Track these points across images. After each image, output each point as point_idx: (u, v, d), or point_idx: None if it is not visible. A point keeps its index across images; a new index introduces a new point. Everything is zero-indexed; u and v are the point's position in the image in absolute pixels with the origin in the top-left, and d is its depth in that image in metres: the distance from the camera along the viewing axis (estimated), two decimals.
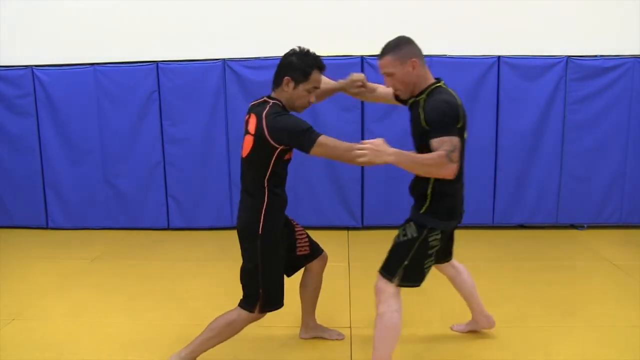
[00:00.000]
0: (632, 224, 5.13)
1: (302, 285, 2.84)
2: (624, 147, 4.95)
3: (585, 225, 5.16)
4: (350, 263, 4.19)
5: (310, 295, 2.86)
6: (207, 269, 4.16)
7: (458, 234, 5.09)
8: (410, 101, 2.41)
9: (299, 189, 5.09)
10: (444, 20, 4.98)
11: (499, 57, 4.85)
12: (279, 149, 2.30)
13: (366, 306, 3.39)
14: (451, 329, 3.04)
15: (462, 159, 2.31)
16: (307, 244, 2.72)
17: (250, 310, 2.45)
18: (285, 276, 2.60)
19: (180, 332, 2.95)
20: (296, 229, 2.70)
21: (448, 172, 2.17)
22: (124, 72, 5.03)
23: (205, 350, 2.54)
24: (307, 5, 5.01)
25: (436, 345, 2.88)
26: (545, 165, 5.00)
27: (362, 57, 4.85)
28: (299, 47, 2.41)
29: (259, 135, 2.30)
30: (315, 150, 2.24)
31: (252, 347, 2.89)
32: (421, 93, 2.34)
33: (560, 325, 3.07)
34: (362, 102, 4.91)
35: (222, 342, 2.53)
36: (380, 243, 4.72)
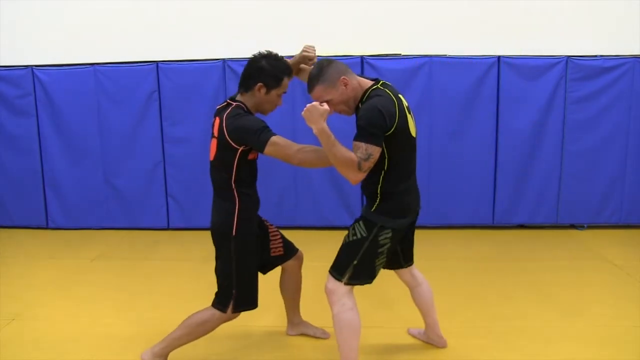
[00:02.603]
0: (632, 224, 5.13)
1: (281, 285, 2.87)
2: (624, 147, 4.95)
3: (585, 225, 5.16)
4: None
5: (290, 294, 2.88)
6: (207, 269, 4.14)
7: (459, 234, 5.09)
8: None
9: (299, 189, 5.09)
10: (444, 20, 4.98)
11: (499, 57, 4.85)
12: (240, 150, 2.33)
13: (366, 306, 3.39)
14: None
15: (411, 156, 2.35)
16: (281, 244, 2.72)
17: (223, 310, 2.47)
18: (261, 274, 2.66)
19: None
20: (270, 230, 2.71)
21: (351, 177, 2.16)
22: (124, 72, 5.03)
23: (177, 347, 2.58)
24: (307, 5, 5.01)
25: (433, 345, 2.87)
26: (545, 165, 5.00)
27: (362, 57, 4.85)
28: (268, 52, 2.43)
29: (221, 137, 2.36)
30: (268, 149, 2.25)
31: (252, 346, 2.90)
32: (361, 102, 2.32)
33: (560, 325, 3.07)
34: None
35: (194, 339, 2.57)
36: None
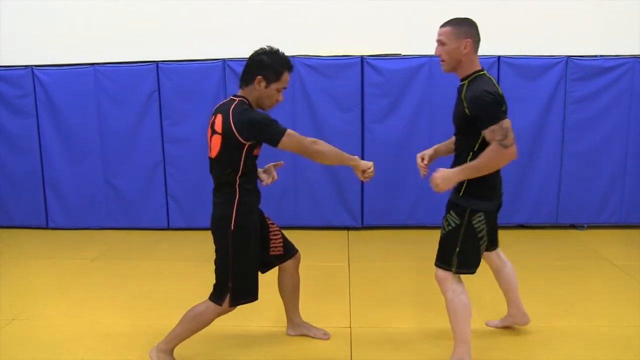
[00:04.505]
0: (632, 224, 5.13)
1: (280, 284, 2.87)
2: (624, 147, 4.95)
3: (585, 225, 5.16)
4: (350, 263, 4.18)
5: (289, 293, 2.88)
6: (207, 269, 4.13)
7: None
8: (459, 86, 2.51)
9: (299, 189, 5.09)
10: (444, 21, 4.97)
11: (499, 57, 4.85)
12: (247, 145, 2.35)
13: (366, 306, 3.39)
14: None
15: None
16: (281, 244, 2.74)
17: (219, 303, 2.49)
18: (260, 273, 2.67)
19: None
20: (271, 229, 2.73)
21: (509, 158, 2.24)
22: (124, 72, 5.03)
23: (179, 342, 2.60)
24: (307, 5, 5.01)
25: (434, 345, 2.87)
26: (545, 165, 5.00)
27: (362, 57, 4.85)
28: (269, 47, 2.45)
29: (227, 132, 2.37)
30: (283, 141, 2.30)
31: (252, 346, 2.90)
32: (466, 78, 2.45)
33: (560, 325, 3.07)
34: (362, 103, 4.92)
35: (193, 333, 2.58)
36: (380, 243, 4.78)
